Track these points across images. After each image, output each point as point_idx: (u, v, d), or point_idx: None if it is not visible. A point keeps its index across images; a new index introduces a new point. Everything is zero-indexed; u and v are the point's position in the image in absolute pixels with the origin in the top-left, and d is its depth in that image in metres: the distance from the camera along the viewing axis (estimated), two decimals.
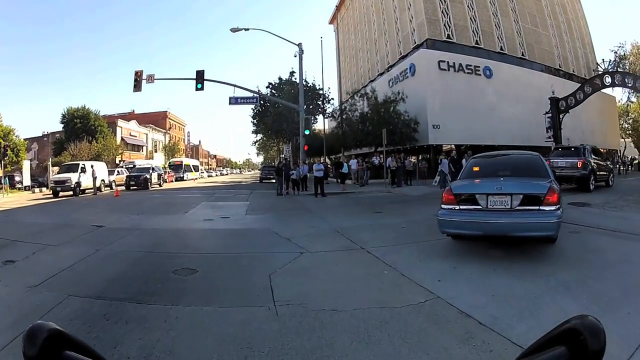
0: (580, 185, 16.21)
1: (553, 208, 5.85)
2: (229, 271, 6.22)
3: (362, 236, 8.40)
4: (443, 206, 6.60)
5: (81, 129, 46.41)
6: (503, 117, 33.26)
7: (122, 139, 57.04)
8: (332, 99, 36.92)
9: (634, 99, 47.42)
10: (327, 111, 36.69)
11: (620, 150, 44.31)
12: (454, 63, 32.78)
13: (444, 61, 32.41)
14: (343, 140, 33.32)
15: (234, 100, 27.49)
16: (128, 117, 66.15)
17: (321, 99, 35.79)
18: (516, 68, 36.90)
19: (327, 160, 37.21)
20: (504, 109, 33.56)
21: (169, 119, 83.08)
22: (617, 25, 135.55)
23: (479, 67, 33.77)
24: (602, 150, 43.17)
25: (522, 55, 39.21)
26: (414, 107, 30.73)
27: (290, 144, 35.69)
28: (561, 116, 27.69)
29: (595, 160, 17.44)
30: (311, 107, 33.77)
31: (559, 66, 42.47)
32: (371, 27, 48.15)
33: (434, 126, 30.49)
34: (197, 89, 25.72)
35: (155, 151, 69.15)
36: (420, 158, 28.67)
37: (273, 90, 36.31)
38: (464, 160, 22.29)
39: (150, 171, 32.81)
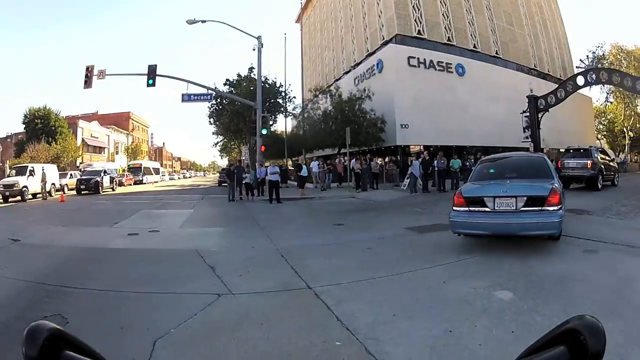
0: (590, 184, 17.34)
1: (555, 208, 6.30)
2: (103, 326, 4.16)
3: (313, 264, 6.55)
4: (454, 208, 7.10)
5: (42, 130, 44.82)
6: (476, 117, 31.83)
7: (83, 140, 54.13)
8: (294, 97, 34.59)
9: (612, 99, 46.91)
10: (289, 110, 34.40)
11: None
12: (424, 59, 31.20)
13: (414, 57, 30.79)
14: (303, 141, 30.95)
15: (186, 98, 25.59)
16: (90, 117, 63.77)
17: (281, 95, 33.36)
18: (490, 66, 35.72)
19: (289, 162, 34.93)
20: (477, 108, 32.14)
21: (132, 120, 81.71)
22: (593, 29, 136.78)
23: (451, 64, 32.32)
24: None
25: (496, 53, 38.10)
26: (381, 106, 29.03)
27: (248, 145, 33.31)
28: (540, 115, 26.23)
29: (603, 161, 18.57)
30: (269, 104, 31.39)
31: (534, 66, 41.69)
32: (338, 24, 46.60)
33: (403, 125, 28.70)
34: (148, 85, 23.89)
35: (117, 153, 66.85)
36: (387, 160, 26.62)
37: (231, 88, 33.71)
38: (435, 162, 20.43)
39: (102, 174, 30.44)
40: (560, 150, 30.48)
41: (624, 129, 47.90)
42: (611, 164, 20.15)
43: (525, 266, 5.69)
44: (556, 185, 6.79)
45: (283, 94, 34.29)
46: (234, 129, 34.70)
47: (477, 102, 32.36)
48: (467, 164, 21.49)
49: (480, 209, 6.81)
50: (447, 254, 6.79)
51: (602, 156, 18.94)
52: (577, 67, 25.80)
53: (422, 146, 29.04)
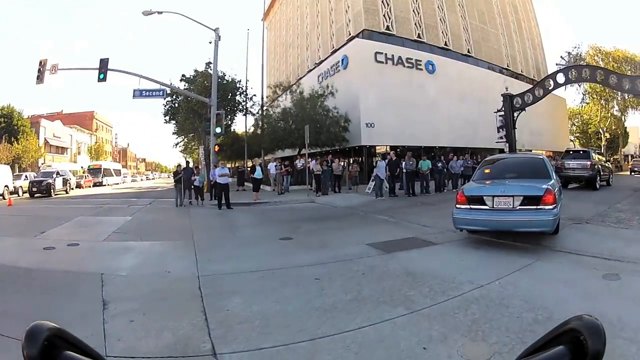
0: (589, 184, 18.00)
1: (550, 207, 6.79)
2: None
3: (234, 306, 4.71)
4: (457, 206, 7.62)
5: (4, 129, 42.46)
6: (446, 116, 30.86)
7: (45, 140, 51.79)
8: (254, 95, 32.75)
9: (588, 100, 46.22)
10: (249, 109, 32.54)
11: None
12: (392, 55, 29.93)
13: (381, 53, 29.48)
14: (262, 141, 29.27)
15: (138, 93, 23.68)
16: (54, 117, 61.65)
17: (240, 93, 31.50)
18: (462, 64, 34.80)
19: (249, 163, 33.07)
20: (447, 107, 31.14)
21: (96, 119, 78.80)
22: (568, 33, 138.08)
23: (420, 61, 31.14)
24: (551, 153, 42.06)
25: (468, 52, 37.33)
26: (346, 104, 27.63)
27: (204, 146, 31.45)
28: (515, 114, 25.17)
29: (600, 162, 19.30)
30: (227, 102, 29.59)
31: (507, 65, 41.23)
32: (304, 20, 45.16)
33: (368, 124, 27.30)
34: (99, 80, 22.13)
35: (79, 154, 64.21)
36: (351, 161, 25.16)
37: (187, 84, 31.68)
38: (403, 163, 18.97)
39: (54, 176, 28.48)
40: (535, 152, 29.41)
41: (600, 130, 47.82)
42: (606, 164, 20.76)
43: (541, 309, 4.15)
44: (551, 185, 7.20)
45: (242, 91, 32.40)
46: (189, 127, 32.64)
47: (447, 101, 31.36)
48: (439, 165, 20.12)
49: (481, 207, 7.30)
50: (425, 287, 5.09)
51: (599, 157, 19.55)
52: (557, 64, 24.76)
53: (388, 147, 27.66)
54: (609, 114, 46.50)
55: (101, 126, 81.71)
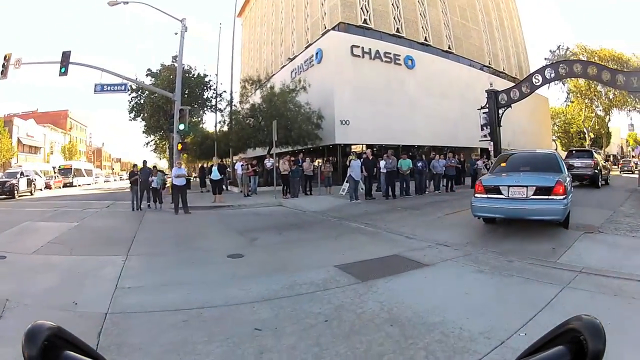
0: (592, 182, 18.30)
1: (560, 198, 7.32)
2: None
3: None
4: (476, 195, 8.37)
5: None
6: (425, 114, 29.39)
7: (18, 139, 49.73)
8: (224, 91, 30.58)
9: (573, 100, 46.21)
10: (217, 106, 30.50)
11: None
12: (369, 49, 28.21)
13: (357, 46, 27.73)
14: (228, 139, 27.26)
15: (99, 88, 21.88)
16: (29, 116, 60.36)
17: (207, 88, 29.43)
18: (442, 60, 33.44)
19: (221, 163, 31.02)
20: (427, 105, 29.66)
21: (70, 118, 76.57)
22: (551, 33, 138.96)
23: (399, 55, 29.54)
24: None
25: (449, 48, 36.04)
26: (320, 100, 25.88)
27: (168, 144, 29.35)
28: (501, 111, 24.05)
29: (600, 161, 19.85)
30: (194, 98, 27.51)
31: (489, 63, 40.26)
32: (278, 16, 43.27)
33: (343, 122, 25.49)
34: (60, 74, 20.68)
35: (52, 153, 62.02)
36: (324, 160, 23.25)
37: (153, 78, 29.59)
38: (382, 162, 17.14)
39: (18, 177, 26.49)
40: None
41: (584, 130, 47.43)
42: (605, 164, 21.54)
43: None
44: (562, 178, 7.69)
45: (209, 86, 30.31)
46: (154, 125, 30.52)
47: (427, 98, 29.93)
48: (420, 165, 18.29)
49: (497, 196, 7.93)
50: (420, 349, 3.30)
51: (599, 157, 20.29)
52: (545, 59, 23.57)
53: (364, 145, 25.87)
54: (593, 114, 46.05)
55: (75, 125, 79.81)
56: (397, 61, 29.25)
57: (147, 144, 37.08)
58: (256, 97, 27.06)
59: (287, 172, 19.09)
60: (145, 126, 32.27)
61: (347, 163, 16.93)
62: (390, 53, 29.02)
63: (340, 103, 25.96)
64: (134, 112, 30.77)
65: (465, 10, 39.29)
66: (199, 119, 32.36)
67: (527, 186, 7.62)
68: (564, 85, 44.24)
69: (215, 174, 18.36)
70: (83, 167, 52.65)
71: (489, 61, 40.03)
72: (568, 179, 8.44)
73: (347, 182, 17.72)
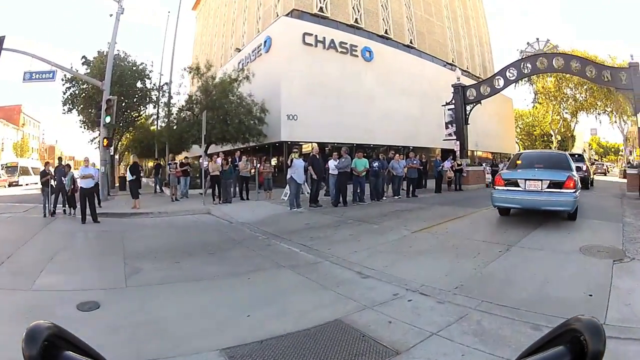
0: (583, 183, 17.26)
1: (570, 191, 8.38)
2: None
3: None
4: (495, 187, 9.38)
5: None
6: (384, 110, 27.17)
7: None
8: (166, 84, 26.85)
9: (541, 101, 44.83)
10: (154, 99, 26.96)
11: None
12: (324, 38, 25.70)
13: (310, 34, 25.17)
14: (164, 136, 23.99)
15: (28, 76, 19.26)
16: None
17: (140, 77, 25.76)
18: (403, 54, 31.51)
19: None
20: (385, 101, 27.48)
21: (24, 114, 72.56)
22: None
23: (356, 46, 27.18)
24: (490, 154, 39.37)
25: (411, 43, 34.34)
26: (265, 92, 23.28)
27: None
28: (468, 108, 22.26)
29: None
30: (124, 88, 23.86)
31: (452, 61, 38.96)
32: (231, 6, 40.42)
33: (290, 116, 22.76)
34: None
35: (2, 150, 58.60)
36: (263, 159, 20.11)
37: (87, 67, 25.91)
38: (331, 162, 14.18)
39: None
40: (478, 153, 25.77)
41: (550, 132, 46.66)
42: (591, 167, 22.45)
43: None
44: (572, 174, 8.82)
45: (147, 76, 26.64)
46: (85, 118, 26.72)
47: (386, 93, 27.77)
48: (375, 165, 15.40)
49: (515, 188, 8.96)
50: None
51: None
52: (520, 51, 21.18)
53: (315, 143, 23.01)
54: (560, 116, 45.29)
55: (29, 121, 75.96)
56: (353, 52, 26.83)
57: (92, 140, 33.07)
58: (196, 89, 23.94)
59: (218, 173, 16.18)
60: (81, 120, 28.43)
61: (289, 162, 13.72)
62: (346, 43, 26.60)
63: (288, 96, 23.36)
64: (67, 104, 27.07)
65: (429, 5, 37.79)
66: (137, 113, 28.65)
67: (542, 180, 8.59)
68: (531, 85, 42.97)
69: (128, 175, 15.90)
70: (30, 165, 48.47)
71: (452, 59, 38.73)
72: (577, 176, 9.24)
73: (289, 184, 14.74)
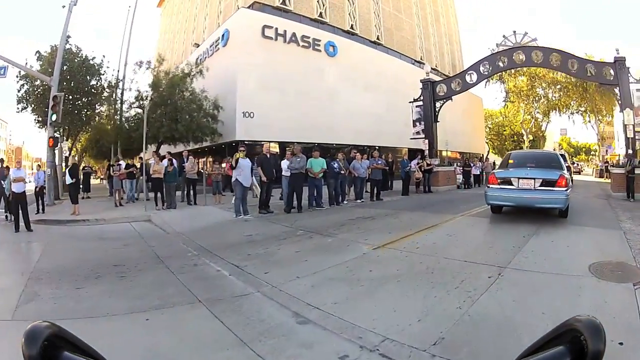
0: None
1: (562, 189, 8.64)
2: None
3: None
4: (489, 185, 9.68)
5: None
6: (348, 108, 26.03)
7: None
8: (120, 80, 24.76)
9: (513, 100, 44.39)
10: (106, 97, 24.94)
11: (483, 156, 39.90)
12: (284, 31, 24.44)
13: (270, 27, 23.81)
14: (114, 135, 22.23)
15: None
16: None
17: (92, 73, 23.68)
18: (369, 49, 30.44)
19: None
20: (350, 98, 26.32)
21: None
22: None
23: (319, 41, 26.03)
24: (458, 154, 38.55)
25: (378, 39, 33.22)
26: (221, 88, 21.90)
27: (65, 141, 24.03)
28: (438, 105, 21.16)
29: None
30: (72, 82, 21.80)
31: (421, 59, 38.14)
32: (194, 1, 38.59)
33: (246, 114, 21.31)
34: None
35: None
36: (212, 160, 18.44)
37: (40, 62, 23.86)
38: (284, 162, 12.67)
39: None
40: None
41: (521, 132, 46.30)
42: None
43: None
44: (564, 173, 9.11)
45: (100, 73, 24.55)
46: (40, 117, 24.67)
47: (350, 90, 26.61)
48: (335, 165, 13.86)
49: (508, 186, 9.19)
50: None
51: None
52: (497, 44, 19.98)
53: (275, 143, 21.54)
54: (532, 116, 45.14)
55: None
56: (316, 47, 25.59)
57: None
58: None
59: (159, 175, 14.49)
60: (35, 119, 26.16)
61: (233, 162, 12.01)
62: (309, 37, 25.38)
63: (245, 92, 21.96)
64: (22, 102, 24.80)
65: (398, 1, 36.86)
66: (92, 112, 26.53)
67: (534, 178, 8.82)
68: (502, 84, 42.50)
69: (68, 177, 14.45)
70: None
71: (420, 56, 37.96)
72: (568, 174, 9.84)
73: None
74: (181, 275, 5.89)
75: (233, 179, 11.88)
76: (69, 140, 27.31)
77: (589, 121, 43.83)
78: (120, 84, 24.30)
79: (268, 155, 12.90)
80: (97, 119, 26.83)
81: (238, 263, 6.28)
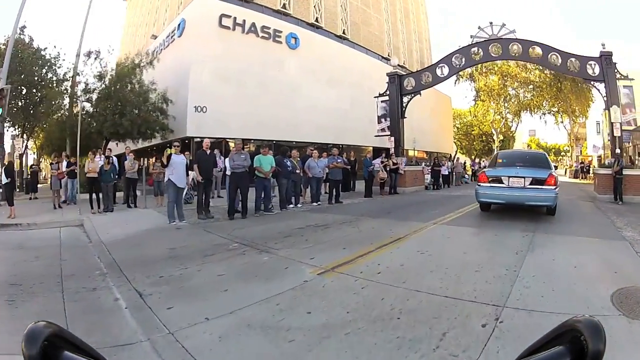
0: None
1: (552, 187, 9.15)
2: None
3: None
4: (480, 184, 10.04)
5: None
6: (310, 104, 24.86)
7: None
8: (78, 74, 22.93)
9: (484, 99, 44.10)
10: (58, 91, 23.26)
11: (451, 155, 39.41)
12: (244, 21, 23.04)
13: (228, 16, 22.47)
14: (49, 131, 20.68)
15: None
16: None
17: (42, 64, 21.85)
18: (334, 43, 29.41)
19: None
20: (312, 93, 25.15)
21: None
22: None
23: (280, 32, 24.78)
24: (424, 154, 37.91)
25: (344, 33, 32.16)
26: (174, 81, 20.52)
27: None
28: (406, 100, 20.34)
29: None
30: (22, 73, 20.48)
31: (388, 55, 37.23)
32: None
33: (197, 108, 19.85)
34: None
35: None
36: (154, 159, 16.98)
37: None
38: (226, 160, 11.30)
39: None
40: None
41: (491, 132, 45.94)
42: None
43: None
44: (553, 172, 9.69)
45: (52, 65, 22.68)
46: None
47: (313, 85, 25.48)
48: (287, 163, 12.61)
49: (499, 185, 9.58)
50: None
51: None
52: (471, 36, 19.06)
53: (232, 141, 20.09)
54: (503, 116, 45.03)
55: None
56: (277, 38, 24.33)
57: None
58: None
59: (95, 174, 13.15)
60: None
61: (164, 160, 10.55)
62: (269, 28, 24.09)
63: (198, 84, 20.59)
64: None
65: None
66: (43, 106, 24.67)
67: (524, 177, 9.27)
68: (472, 82, 42.44)
69: (4, 177, 13.04)
70: None
71: (388, 53, 37.08)
72: (556, 173, 10.40)
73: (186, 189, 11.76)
74: (71, 305, 4.58)
75: (165, 179, 10.45)
76: (24, 136, 25.48)
77: (561, 122, 43.96)
78: (76, 77, 22.72)
79: (207, 152, 11.31)
80: (53, 114, 25.05)
81: (143, 289, 4.94)
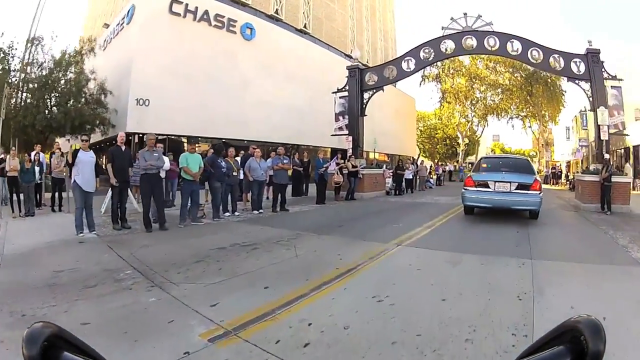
0: None
1: (536, 192, 9.63)
2: None
3: None
4: (466, 187, 10.36)
5: None
6: (264, 101, 23.85)
7: None
8: (30, 64, 21.07)
9: (450, 101, 43.38)
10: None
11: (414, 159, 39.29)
12: (196, 8, 21.87)
13: (180, 2, 21.26)
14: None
15: None
16: None
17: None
18: (293, 36, 28.50)
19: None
20: (267, 89, 24.15)
21: None
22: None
23: (235, 21, 23.65)
24: (385, 156, 37.37)
25: (305, 27, 31.37)
26: (119, 72, 19.23)
27: None
28: (366, 96, 18.85)
29: None
30: None
31: (351, 52, 34.83)
32: None
33: (139, 101, 18.49)
34: None
35: None
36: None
37: None
38: (140, 159, 9.65)
39: None
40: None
41: (457, 135, 45.84)
42: None
43: None
44: (538, 178, 10.31)
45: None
46: None
47: (268, 80, 24.43)
48: (222, 164, 10.89)
49: (485, 189, 9.97)
50: None
51: None
52: (443, 27, 17.94)
53: (177, 137, 18.85)
54: (469, 119, 44.89)
55: None
56: (231, 28, 23.29)
57: None
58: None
59: (15, 173, 11.68)
60: None
61: (69, 158, 8.95)
62: (223, 16, 23.00)
63: (141, 75, 19.27)
64: None
65: None
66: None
67: (510, 182, 9.72)
68: (438, 84, 42.03)
69: None
70: None
71: (351, 50, 35.65)
72: (540, 179, 11.43)
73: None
74: None
75: (72, 181, 8.92)
76: None
77: (529, 126, 44.10)
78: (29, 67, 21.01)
79: (123, 148, 9.22)
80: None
81: None
